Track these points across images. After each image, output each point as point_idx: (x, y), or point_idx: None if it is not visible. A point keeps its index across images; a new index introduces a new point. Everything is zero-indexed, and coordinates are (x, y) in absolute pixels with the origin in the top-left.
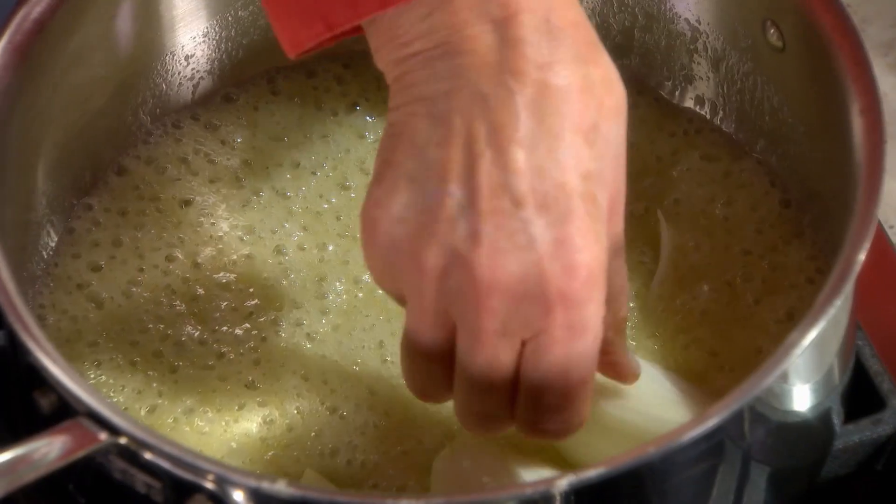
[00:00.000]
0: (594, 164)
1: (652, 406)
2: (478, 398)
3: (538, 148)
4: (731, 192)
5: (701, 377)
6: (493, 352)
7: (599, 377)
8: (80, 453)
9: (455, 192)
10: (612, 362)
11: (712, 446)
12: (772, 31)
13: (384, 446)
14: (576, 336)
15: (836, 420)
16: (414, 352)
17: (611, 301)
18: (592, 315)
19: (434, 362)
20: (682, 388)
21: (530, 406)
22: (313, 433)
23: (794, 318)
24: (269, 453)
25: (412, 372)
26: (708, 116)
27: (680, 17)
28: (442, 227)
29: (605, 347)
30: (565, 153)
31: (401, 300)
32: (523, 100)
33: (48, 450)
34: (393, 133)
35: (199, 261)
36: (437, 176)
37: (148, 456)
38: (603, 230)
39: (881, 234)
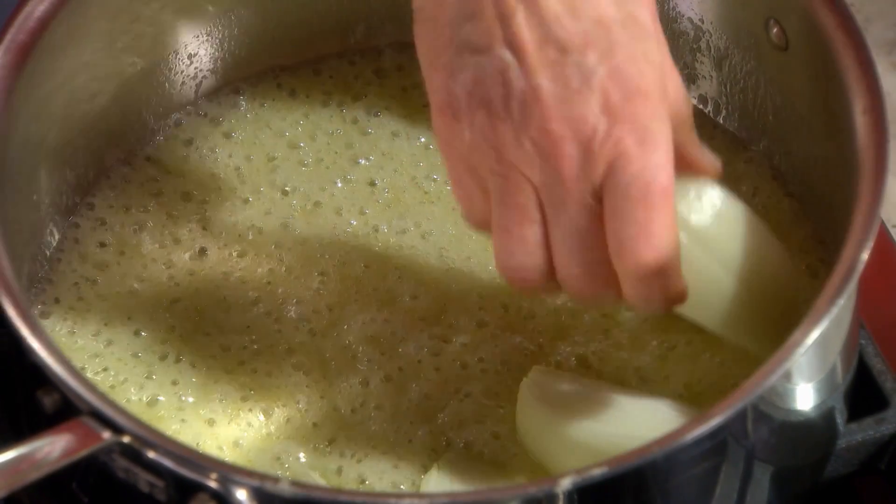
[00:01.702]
0: None
1: (645, 431)
2: (578, 253)
3: None
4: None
5: (691, 372)
6: (580, 196)
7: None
8: (83, 452)
9: (505, 55)
10: (689, 162)
11: (716, 445)
12: (775, 30)
13: (374, 442)
14: (648, 150)
15: (840, 419)
16: (511, 235)
17: (672, 106)
18: (659, 127)
19: (528, 234)
20: (677, 412)
21: (619, 234)
22: (311, 425)
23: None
24: (267, 445)
25: (515, 256)
26: (711, 115)
27: (683, 15)
28: (500, 91)
29: (680, 150)
30: None
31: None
32: None
33: (51, 449)
34: (422, 18)
35: (202, 254)
36: (484, 46)
37: (151, 455)
38: (653, 45)
39: (884, 234)
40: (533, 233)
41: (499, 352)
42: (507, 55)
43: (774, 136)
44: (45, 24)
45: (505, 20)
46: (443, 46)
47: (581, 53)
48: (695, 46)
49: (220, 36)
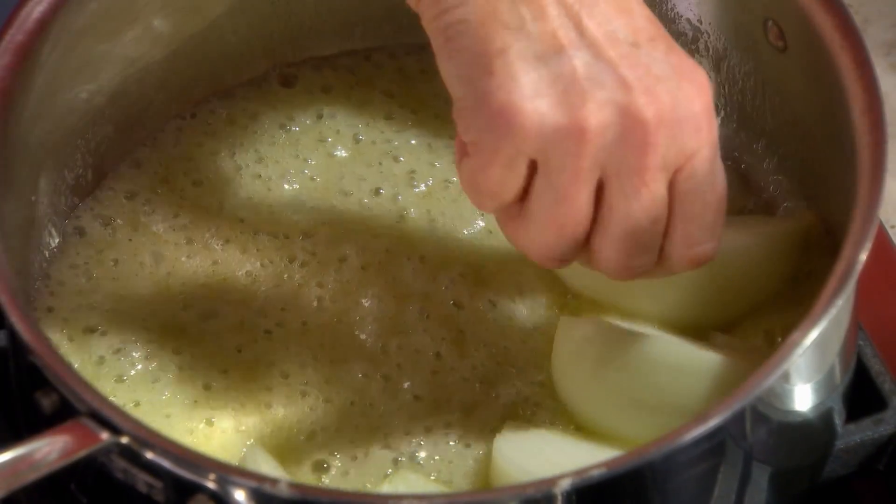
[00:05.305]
0: None
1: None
2: (635, 245)
3: None
4: (731, 193)
5: None
6: (656, 187)
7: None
8: (82, 453)
9: (577, 53)
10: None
11: (714, 446)
12: (773, 31)
13: (360, 444)
14: (716, 146)
15: (838, 420)
16: (565, 221)
17: None
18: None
19: (581, 226)
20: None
21: (685, 229)
22: (307, 409)
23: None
24: (267, 443)
25: (559, 240)
26: None
27: (681, 16)
28: (587, 84)
29: None
30: None
31: (505, 208)
32: None
33: (49, 449)
34: (459, 32)
35: (221, 240)
36: (552, 45)
37: (149, 455)
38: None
39: (882, 234)
40: (581, 232)
41: (487, 378)
42: (580, 52)
43: (773, 137)
44: (43, 24)
45: (573, 19)
46: (503, 48)
47: (649, 47)
48: (693, 47)
49: (220, 35)
